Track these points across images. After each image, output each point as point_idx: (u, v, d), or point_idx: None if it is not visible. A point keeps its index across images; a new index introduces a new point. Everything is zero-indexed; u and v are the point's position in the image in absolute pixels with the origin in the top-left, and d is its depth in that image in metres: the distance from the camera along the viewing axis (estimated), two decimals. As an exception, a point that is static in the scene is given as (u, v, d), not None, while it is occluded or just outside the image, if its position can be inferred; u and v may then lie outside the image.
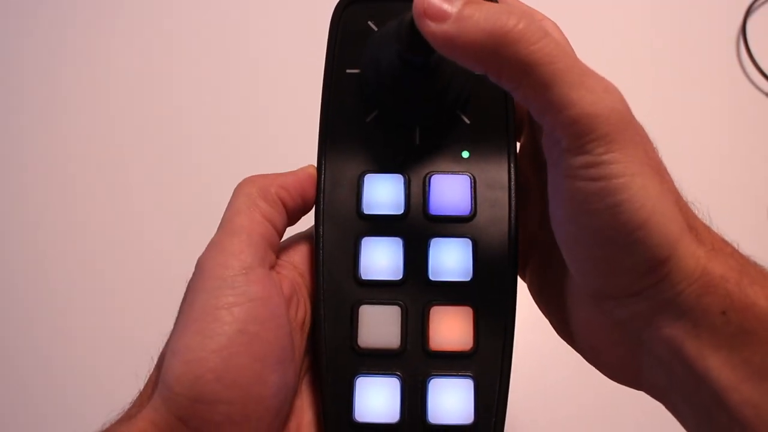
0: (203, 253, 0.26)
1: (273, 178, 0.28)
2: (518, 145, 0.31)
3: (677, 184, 0.24)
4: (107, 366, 0.55)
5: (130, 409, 0.26)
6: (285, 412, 0.27)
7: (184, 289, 0.27)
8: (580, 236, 0.24)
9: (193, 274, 0.26)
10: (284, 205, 0.28)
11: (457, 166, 0.29)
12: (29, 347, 0.56)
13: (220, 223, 0.27)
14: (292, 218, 0.29)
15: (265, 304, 0.25)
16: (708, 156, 0.61)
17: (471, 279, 0.28)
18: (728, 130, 0.63)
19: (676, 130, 0.62)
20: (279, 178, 0.28)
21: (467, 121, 0.29)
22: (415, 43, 0.25)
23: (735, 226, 0.26)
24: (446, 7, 0.23)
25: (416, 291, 0.28)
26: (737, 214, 0.56)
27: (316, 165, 0.29)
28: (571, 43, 0.26)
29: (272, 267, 0.28)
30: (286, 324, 0.26)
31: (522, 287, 0.30)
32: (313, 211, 0.29)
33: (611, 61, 0.65)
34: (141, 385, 0.27)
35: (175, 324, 0.26)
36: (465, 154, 0.29)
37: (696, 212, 0.24)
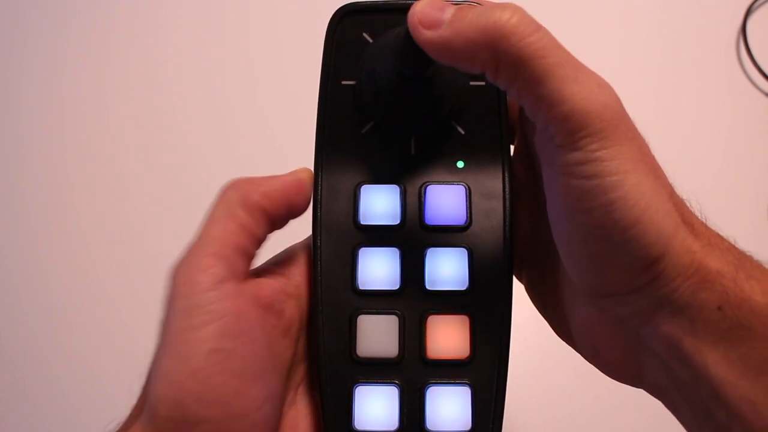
0: (176, 264, 0.26)
1: (258, 184, 0.27)
2: (512, 148, 0.30)
3: (676, 184, 0.24)
4: (105, 377, 0.55)
5: (126, 422, 0.26)
6: (273, 424, 0.27)
7: None
8: (575, 234, 0.24)
9: (167, 287, 0.26)
10: (266, 213, 0.27)
11: (452, 176, 0.29)
12: (26, 359, 0.57)
13: (197, 230, 0.26)
14: (276, 225, 0.28)
15: (237, 319, 0.25)
16: (708, 156, 0.61)
17: (467, 288, 0.28)
18: (728, 130, 0.63)
19: (676, 130, 0.62)
20: (264, 185, 0.27)
21: (462, 132, 0.29)
22: (412, 56, 0.25)
23: (735, 226, 0.26)
24: (439, 14, 0.23)
25: (413, 300, 0.28)
26: (737, 214, 0.56)
27: (311, 169, 0.29)
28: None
29: (247, 277, 0.27)
30: (263, 336, 0.26)
31: (519, 292, 0.30)
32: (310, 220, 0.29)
33: (611, 61, 0.65)
34: (135, 399, 0.27)
35: (156, 345, 0.25)
36: (460, 164, 0.29)
37: (691, 209, 0.24)
